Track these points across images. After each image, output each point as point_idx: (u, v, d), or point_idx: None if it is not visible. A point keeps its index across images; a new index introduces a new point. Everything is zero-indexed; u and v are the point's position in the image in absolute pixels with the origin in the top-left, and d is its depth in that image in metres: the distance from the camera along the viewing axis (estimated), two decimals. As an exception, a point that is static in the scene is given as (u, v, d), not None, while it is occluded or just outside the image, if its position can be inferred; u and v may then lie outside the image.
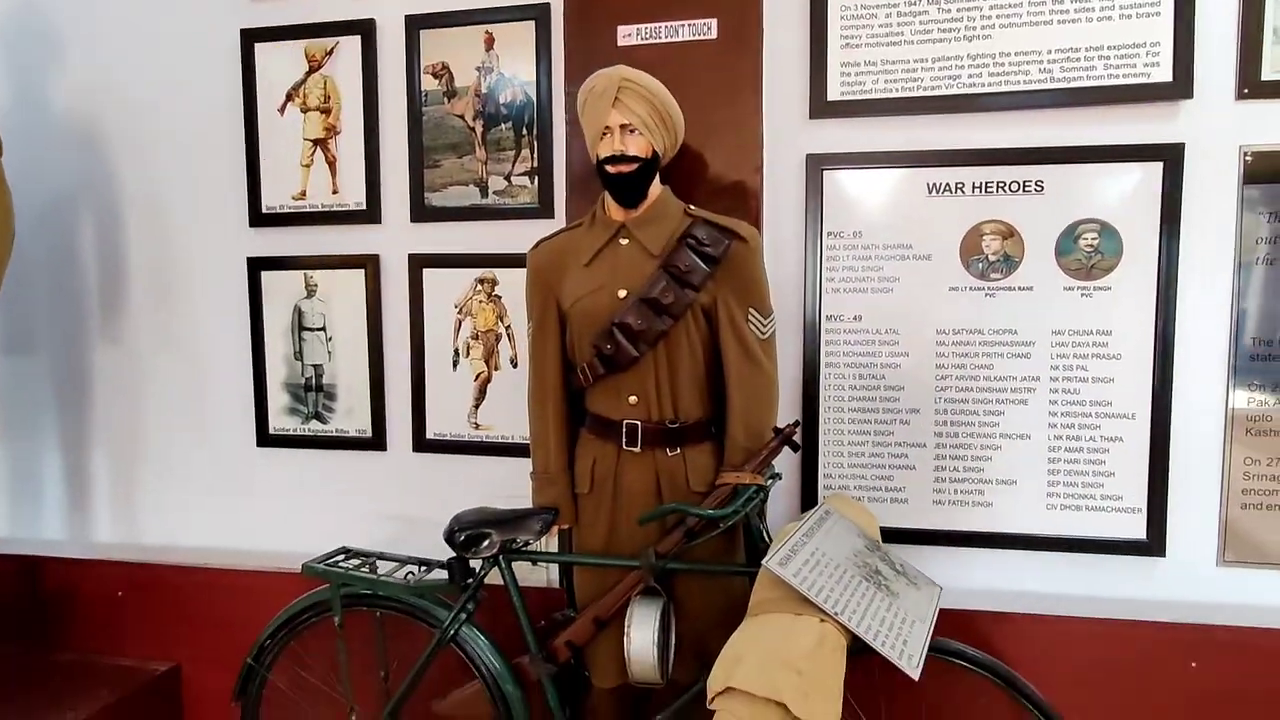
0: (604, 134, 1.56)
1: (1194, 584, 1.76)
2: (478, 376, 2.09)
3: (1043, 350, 1.79)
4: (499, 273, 2.05)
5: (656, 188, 1.64)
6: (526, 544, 1.63)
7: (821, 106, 1.83)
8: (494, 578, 1.67)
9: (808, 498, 1.89)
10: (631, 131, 1.55)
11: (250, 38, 2.14)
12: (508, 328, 2.06)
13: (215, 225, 2.20)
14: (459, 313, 2.08)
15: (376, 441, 2.15)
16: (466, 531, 1.59)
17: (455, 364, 2.10)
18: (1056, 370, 1.78)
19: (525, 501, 1.72)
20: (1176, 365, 1.72)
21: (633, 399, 1.61)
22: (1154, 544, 1.75)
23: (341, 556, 1.76)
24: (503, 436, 2.08)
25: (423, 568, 1.75)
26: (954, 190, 1.79)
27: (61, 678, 2.03)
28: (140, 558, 2.22)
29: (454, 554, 1.61)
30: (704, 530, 1.54)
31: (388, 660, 1.76)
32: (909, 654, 1.30)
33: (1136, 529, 1.76)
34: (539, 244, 1.72)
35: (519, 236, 1.98)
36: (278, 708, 1.96)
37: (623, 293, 1.58)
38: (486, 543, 1.59)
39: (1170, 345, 1.72)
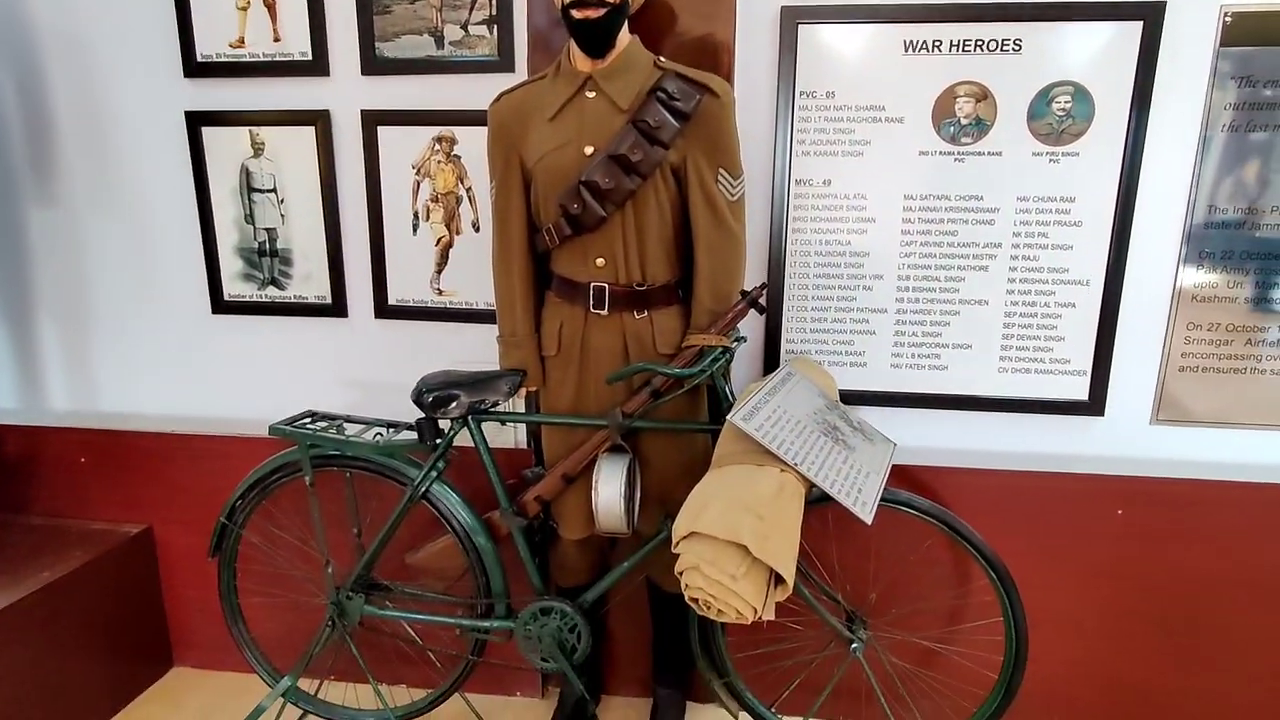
0: (570, -25, 1.46)
1: (1128, 442, 1.87)
2: (439, 241, 2.03)
3: (1006, 217, 1.80)
4: (458, 131, 1.96)
5: (625, 37, 1.56)
6: (495, 405, 1.65)
7: (799, -47, 1.73)
8: (462, 439, 1.70)
9: (770, 360, 1.93)
10: (599, -27, 1.45)
11: None
12: (468, 189, 1.99)
13: (146, 75, 2.04)
14: (417, 174, 2.00)
15: (337, 308, 2.11)
16: (435, 393, 1.60)
17: (415, 228, 2.03)
18: (1019, 237, 1.80)
19: (491, 367, 1.72)
20: (1134, 232, 1.76)
21: (600, 261, 1.59)
22: (1094, 404, 1.85)
23: (308, 420, 1.76)
24: (466, 303, 2.05)
25: (390, 429, 1.76)
26: (931, 49, 1.74)
27: (33, 540, 2.04)
28: (98, 425, 2.20)
29: (422, 416, 1.62)
30: (670, 390, 1.57)
31: (360, 518, 1.80)
32: (863, 501, 1.38)
33: (1080, 390, 1.85)
34: (500, 97, 1.65)
35: (478, 91, 1.89)
36: (253, 563, 2.02)
37: (589, 149, 1.53)
38: (455, 404, 1.60)
39: (1130, 213, 1.75)
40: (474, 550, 1.69)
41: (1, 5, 2.04)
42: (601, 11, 1.45)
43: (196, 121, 2.05)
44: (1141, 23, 1.66)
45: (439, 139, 1.97)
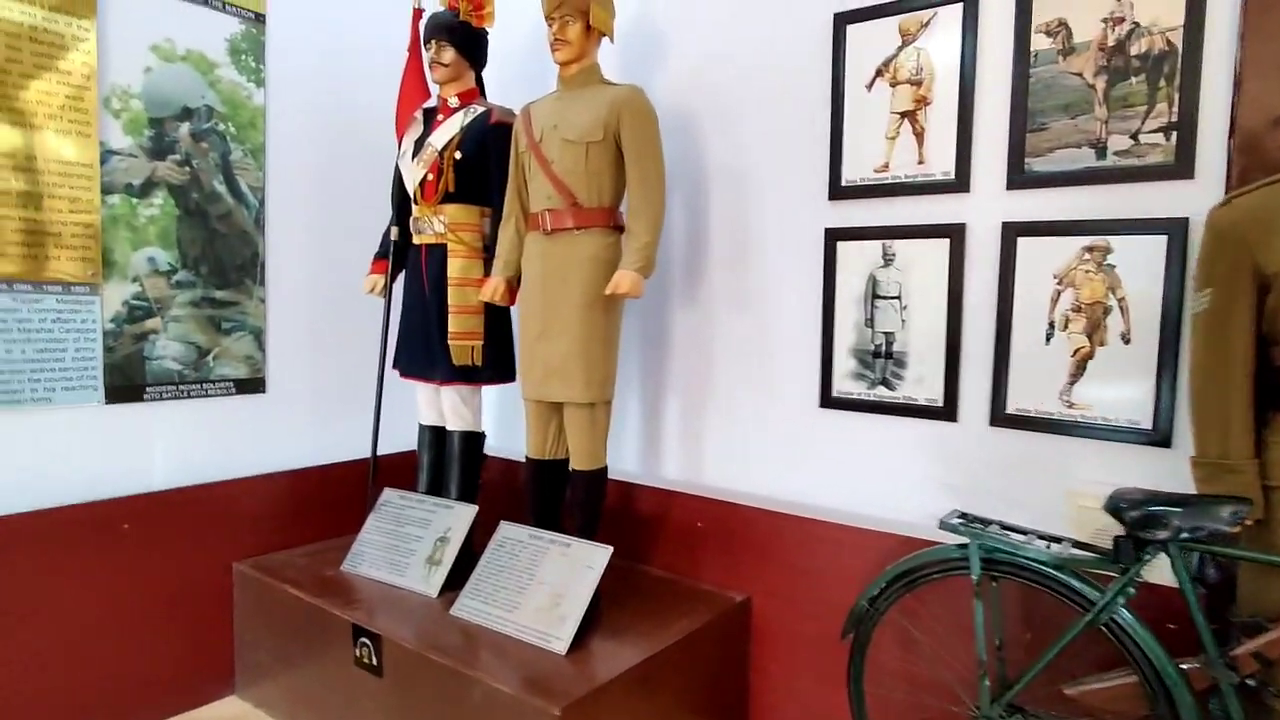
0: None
1: None
2: (1076, 351, 1.96)
3: None
4: (1114, 240, 1.89)
5: None
6: (1206, 534, 1.47)
7: None
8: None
9: None
10: None
11: (843, 20, 2.26)
12: (1120, 300, 1.90)
13: (794, 198, 2.38)
14: (1058, 283, 1.97)
15: (947, 411, 2.14)
16: (1140, 510, 1.49)
17: (1049, 337, 1.99)
18: None
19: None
20: None
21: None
22: None
23: (959, 520, 1.77)
24: (1104, 418, 1.93)
25: (1054, 543, 1.68)
26: None
27: (658, 593, 2.37)
28: (704, 493, 2.51)
29: (1123, 532, 1.52)
30: None
31: (1003, 630, 1.74)
32: None
33: None
34: (1227, 201, 1.54)
35: (1143, 200, 1.82)
36: (877, 652, 2.05)
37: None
38: (1164, 526, 1.47)
39: None
40: (1167, 700, 1.49)
41: (684, 144, 2.57)
42: None
43: (833, 237, 2.30)
44: None
45: (1090, 249, 1.93)
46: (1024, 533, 1.72)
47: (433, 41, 2.39)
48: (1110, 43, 1.88)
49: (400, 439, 2.96)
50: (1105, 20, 1.89)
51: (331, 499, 2.83)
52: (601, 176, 2.13)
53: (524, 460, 2.33)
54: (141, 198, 2.39)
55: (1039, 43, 1.98)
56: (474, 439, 2.55)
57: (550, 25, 2.14)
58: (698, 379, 2.61)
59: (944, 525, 1.74)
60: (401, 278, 2.60)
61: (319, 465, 2.81)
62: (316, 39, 2.79)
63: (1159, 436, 1.84)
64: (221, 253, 2.57)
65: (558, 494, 2.33)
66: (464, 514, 2.42)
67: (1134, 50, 1.86)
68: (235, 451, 2.64)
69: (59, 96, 2.17)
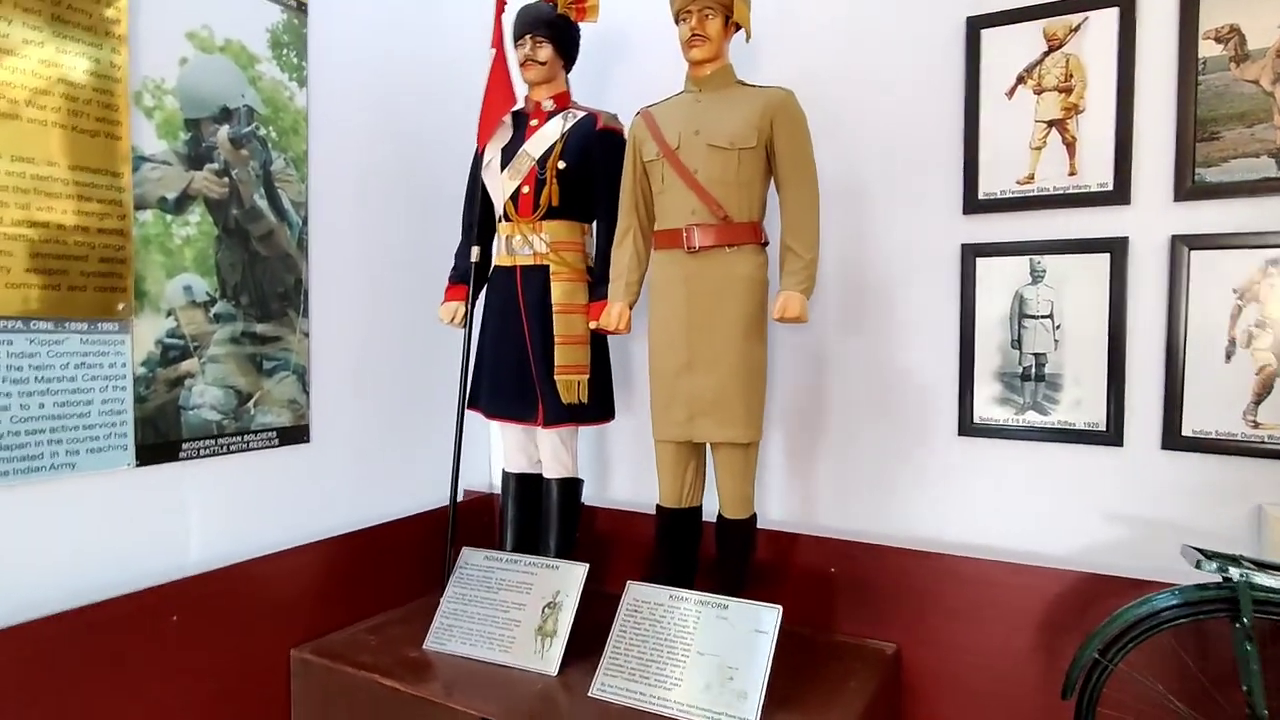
0: None
1: None
2: (1261, 369, 1.88)
3: None
4: (1301, 253, 1.82)
5: None
6: None
7: None
8: None
9: None
10: None
11: (976, 24, 2.13)
12: (1310, 314, 1.82)
13: (922, 212, 2.22)
14: (1239, 298, 1.89)
15: (1112, 436, 2.02)
16: None
17: (1229, 355, 1.90)
18: None
19: None
20: None
21: None
22: None
23: (1203, 556, 1.63)
24: (1294, 437, 1.84)
25: (1311, 578, 1.56)
26: None
27: (798, 649, 2.11)
28: (817, 533, 2.30)
29: None
30: None
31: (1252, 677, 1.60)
32: None
33: None
34: None
35: (1334, 211, 1.76)
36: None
37: None
38: None
39: None
40: None
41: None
42: None
43: (972, 253, 2.16)
44: None
45: (1274, 262, 1.85)
46: (1275, 567, 1.59)
47: (528, 37, 2.10)
48: (1290, 49, 1.82)
49: (442, 494, 2.59)
50: (1283, 26, 1.83)
51: (391, 563, 2.44)
52: (752, 187, 1.90)
53: (655, 510, 2.05)
54: (177, 214, 1.97)
55: (1208, 49, 1.90)
56: (574, 486, 2.24)
57: (685, 20, 1.91)
58: (807, 408, 2.40)
59: (1200, 564, 1.59)
60: (480, 304, 2.28)
61: (371, 525, 2.41)
62: (363, 34, 2.44)
63: (1365, 455, 1.77)
64: (262, 279, 2.17)
65: (694, 547, 2.05)
66: (573, 574, 2.11)
67: (1317, 57, 1.80)
68: (278, 514, 2.23)
69: (85, 89, 1.76)
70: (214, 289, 2.06)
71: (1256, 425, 1.89)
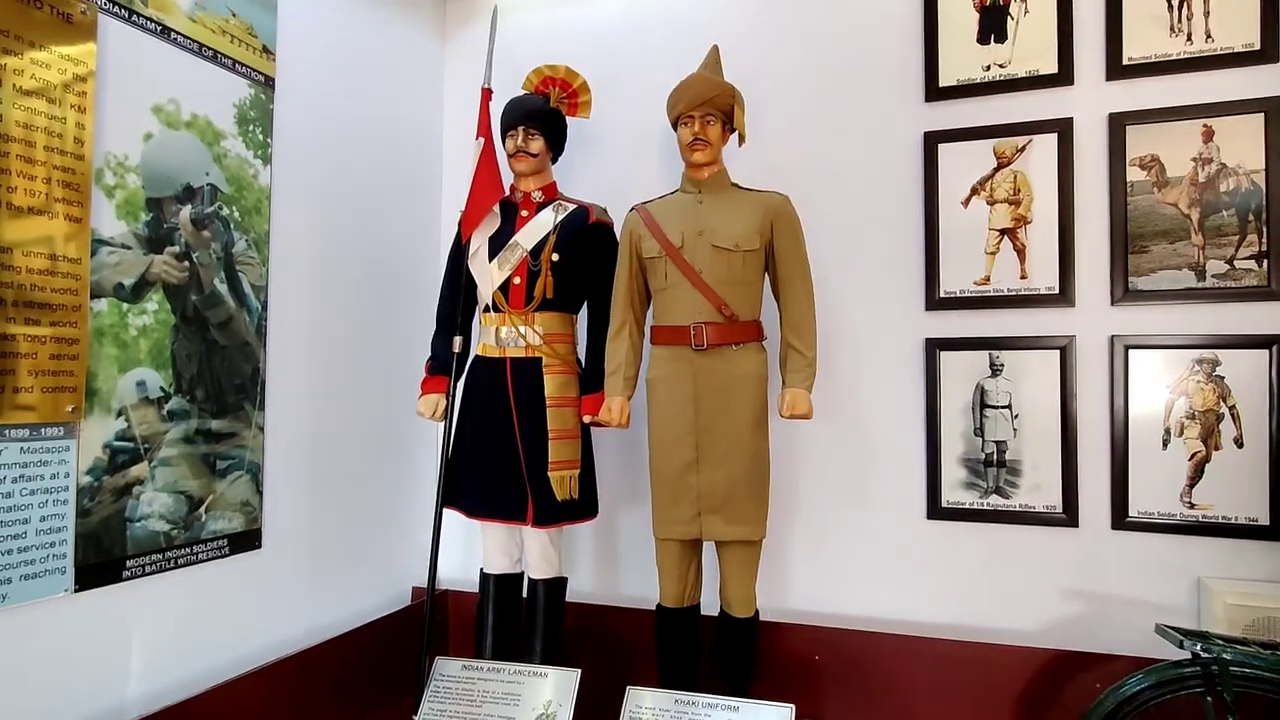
0: None
1: None
2: (1193, 456, 2.11)
3: None
4: (1221, 353, 2.08)
5: None
6: None
7: None
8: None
9: None
10: None
11: (934, 139, 2.33)
12: (1231, 408, 2.08)
13: (887, 308, 2.36)
14: (1171, 392, 2.12)
15: (1068, 518, 2.19)
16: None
17: (1165, 443, 2.13)
18: None
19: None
20: None
21: None
22: None
23: (1180, 634, 1.77)
24: (1223, 516, 2.07)
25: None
26: None
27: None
28: (793, 619, 2.33)
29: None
30: None
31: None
32: None
33: None
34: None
35: (1243, 318, 2.04)
36: None
37: None
38: None
39: None
40: None
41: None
42: None
43: (935, 346, 2.31)
44: None
45: (1200, 361, 2.10)
46: (1243, 643, 1.76)
47: (520, 129, 2.08)
48: (1201, 179, 2.11)
49: (397, 595, 2.41)
50: (1194, 160, 2.12)
51: (350, 679, 2.22)
52: (753, 286, 1.95)
53: (655, 610, 2.00)
54: (134, 302, 1.77)
55: (1134, 174, 2.17)
56: (560, 586, 2.15)
57: (687, 124, 1.96)
58: (779, 494, 2.44)
59: (1183, 644, 1.72)
60: (458, 399, 2.17)
61: (325, 640, 2.19)
62: (329, 110, 2.33)
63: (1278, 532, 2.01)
64: (219, 370, 1.98)
65: (696, 646, 2.01)
66: (565, 681, 2.00)
67: (1223, 187, 2.10)
68: (228, 632, 1.99)
69: (45, 167, 1.57)
70: (169, 383, 1.85)
71: (1192, 506, 2.11)
